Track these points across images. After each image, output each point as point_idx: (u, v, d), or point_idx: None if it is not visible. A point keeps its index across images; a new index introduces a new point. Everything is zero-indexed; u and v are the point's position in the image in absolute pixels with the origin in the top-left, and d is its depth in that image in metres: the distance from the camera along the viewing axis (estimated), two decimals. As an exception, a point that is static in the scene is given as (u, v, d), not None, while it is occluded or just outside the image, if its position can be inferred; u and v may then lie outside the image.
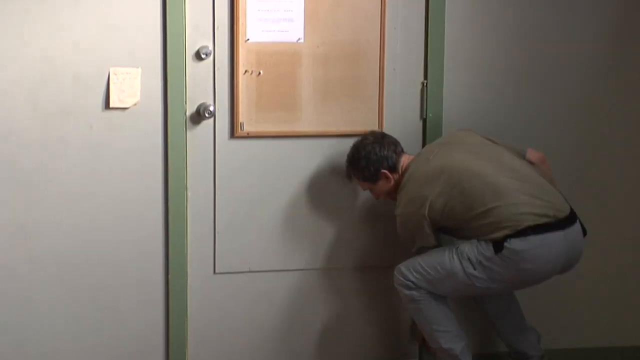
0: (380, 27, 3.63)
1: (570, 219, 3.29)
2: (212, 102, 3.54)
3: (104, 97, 3.45)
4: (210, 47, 3.51)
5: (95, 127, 3.46)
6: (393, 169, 3.45)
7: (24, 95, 3.39)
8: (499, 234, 3.20)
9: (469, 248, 3.26)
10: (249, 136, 3.57)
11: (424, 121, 3.72)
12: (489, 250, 3.22)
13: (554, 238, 3.22)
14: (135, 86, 3.47)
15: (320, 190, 3.68)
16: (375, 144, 3.46)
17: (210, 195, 3.60)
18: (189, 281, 3.60)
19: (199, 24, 3.48)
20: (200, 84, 3.53)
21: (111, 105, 3.45)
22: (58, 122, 3.43)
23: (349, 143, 3.58)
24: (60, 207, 3.48)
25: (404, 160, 3.48)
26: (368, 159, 3.44)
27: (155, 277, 3.57)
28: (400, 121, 3.70)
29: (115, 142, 3.49)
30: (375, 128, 3.65)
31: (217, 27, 3.50)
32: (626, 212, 3.93)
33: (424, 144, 3.70)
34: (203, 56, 3.51)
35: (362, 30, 3.62)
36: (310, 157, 3.66)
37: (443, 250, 3.34)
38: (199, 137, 3.54)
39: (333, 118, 3.64)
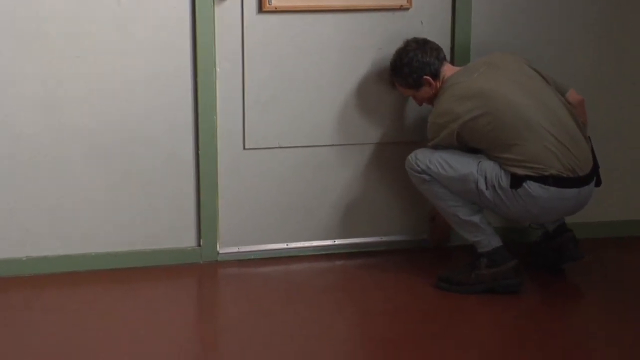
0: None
1: (589, 178, 3.33)
2: (240, -24, 3.52)
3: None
4: None
5: (123, 1, 3.43)
6: (436, 75, 3.44)
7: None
8: (520, 171, 3.24)
9: (490, 167, 3.29)
10: (276, 11, 3.54)
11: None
12: (506, 180, 3.26)
13: (570, 194, 3.28)
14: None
15: (347, 66, 3.67)
16: (417, 50, 3.45)
17: (238, 71, 3.59)
18: (218, 157, 3.63)
19: None
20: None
21: (134, -18, 3.44)
22: (86, -2, 3.42)
23: (377, 18, 3.59)
24: (91, 83, 3.48)
25: (447, 68, 3.47)
26: (410, 65, 3.44)
27: (186, 153, 3.60)
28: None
29: (143, 17, 3.47)
30: (404, 3, 3.63)
31: None
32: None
33: (453, 19, 3.69)
34: None
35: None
36: (339, 32, 3.63)
37: (466, 155, 3.37)
38: (227, 12, 3.51)
39: (361, -9, 3.61)
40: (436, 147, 3.41)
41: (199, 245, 3.69)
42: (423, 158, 3.39)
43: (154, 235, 3.65)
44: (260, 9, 3.55)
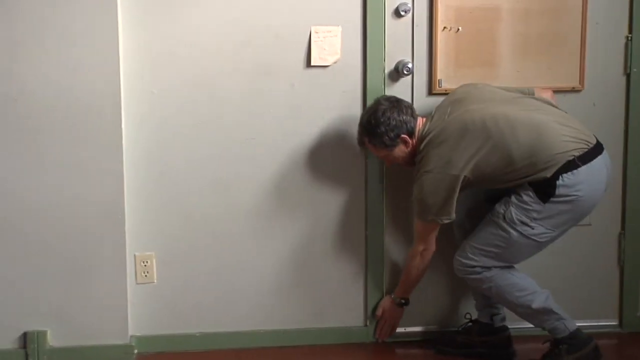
0: (582, -19, 3.55)
1: (599, 144, 3.23)
2: (410, 59, 3.55)
3: (305, 56, 3.51)
4: (410, 4, 3.51)
5: (296, 85, 3.52)
6: (412, 133, 3.33)
7: (229, 54, 3.48)
8: (547, 173, 3.12)
9: (513, 211, 3.19)
10: (446, 93, 3.55)
11: (628, 76, 3.62)
12: (535, 202, 3.15)
13: (598, 165, 3.17)
14: (335, 44, 3.51)
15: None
16: (393, 108, 3.32)
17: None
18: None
19: (398, -18, 3.49)
20: (399, 42, 3.54)
21: (312, 63, 3.51)
22: (260, 81, 3.51)
23: (550, 100, 3.55)
24: (261, 164, 3.57)
25: (419, 123, 3.35)
26: (388, 124, 3.30)
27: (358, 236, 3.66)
28: (602, 77, 3.62)
29: (316, 100, 3.55)
30: (576, 84, 3.59)
31: (416, -16, 3.50)
32: None
33: (627, 100, 3.63)
34: (402, 13, 3.51)
35: (564, -14, 3.55)
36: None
37: (487, 225, 3.27)
38: (397, 94, 3.53)
39: (532, 74, 3.58)
40: (427, 225, 3.31)
41: (366, 325, 3.70)
42: (466, 259, 3.31)
43: (321, 313, 3.69)
44: (430, 91, 3.58)
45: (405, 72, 3.53)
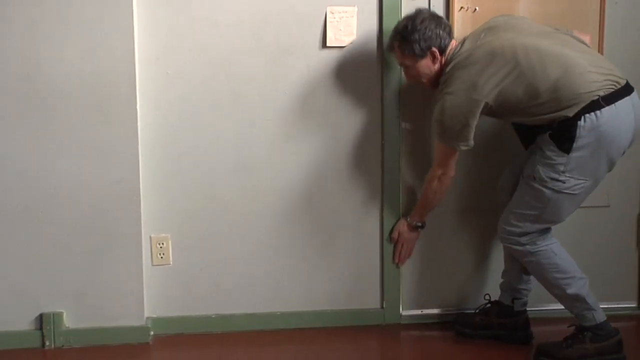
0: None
1: (629, 86, 3.15)
2: (427, 40, 3.52)
3: (322, 36, 3.49)
4: (427, -16, 3.49)
5: (311, 66, 3.50)
6: (443, 51, 3.27)
7: (250, 33, 3.47)
8: (569, 112, 3.06)
9: (541, 169, 3.14)
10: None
11: (647, 55, 3.60)
12: (559, 155, 3.10)
13: (625, 105, 3.09)
14: (351, 25, 3.49)
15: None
16: (432, 20, 3.25)
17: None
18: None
19: (415, -39, 3.46)
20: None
21: (328, 44, 3.49)
22: (279, 61, 3.50)
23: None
24: (277, 145, 3.56)
25: (452, 44, 3.29)
26: (423, 33, 3.23)
27: (373, 219, 3.65)
28: (621, 56, 3.58)
29: (331, 80, 3.53)
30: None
31: (433, -37, 3.47)
32: None
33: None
34: (419, -7, 3.49)
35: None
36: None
37: (522, 190, 3.24)
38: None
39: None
40: (446, 155, 3.28)
41: (382, 307, 3.69)
42: (509, 226, 3.28)
43: (336, 295, 3.68)
44: (447, 72, 3.55)
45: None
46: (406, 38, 3.25)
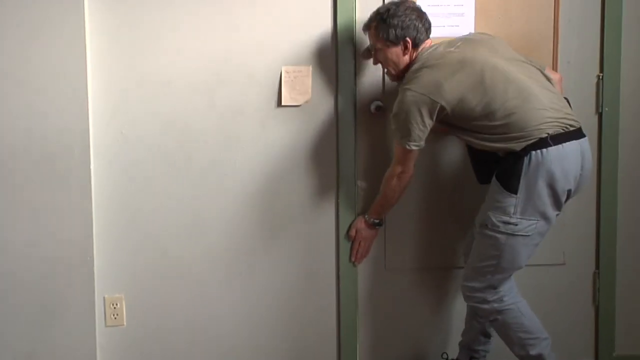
0: (553, 19, 3.56)
1: (581, 131, 3.17)
2: (380, 100, 3.54)
3: (277, 96, 3.50)
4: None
5: (267, 125, 3.50)
6: (415, 44, 3.28)
7: (203, 94, 3.47)
8: (517, 147, 3.08)
9: (491, 215, 3.14)
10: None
11: (600, 115, 3.62)
12: (507, 196, 3.10)
13: (572, 147, 3.11)
14: (306, 84, 3.51)
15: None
16: (415, 11, 3.27)
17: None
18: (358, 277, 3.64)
19: (370, 22, 3.49)
20: (373, 83, 3.55)
21: (283, 103, 3.50)
22: (233, 120, 3.50)
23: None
24: (233, 202, 3.54)
25: (427, 43, 3.31)
26: (402, 21, 3.23)
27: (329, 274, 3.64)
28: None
29: (287, 139, 3.53)
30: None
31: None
32: None
33: (599, 139, 3.62)
34: (373, 52, 3.50)
35: (534, 23, 3.56)
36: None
37: (477, 242, 3.24)
38: (370, 131, 3.54)
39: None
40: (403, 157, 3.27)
41: (339, 365, 3.67)
42: (470, 282, 3.26)
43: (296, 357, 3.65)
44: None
45: (377, 112, 3.53)
46: (385, 21, 3.26)
